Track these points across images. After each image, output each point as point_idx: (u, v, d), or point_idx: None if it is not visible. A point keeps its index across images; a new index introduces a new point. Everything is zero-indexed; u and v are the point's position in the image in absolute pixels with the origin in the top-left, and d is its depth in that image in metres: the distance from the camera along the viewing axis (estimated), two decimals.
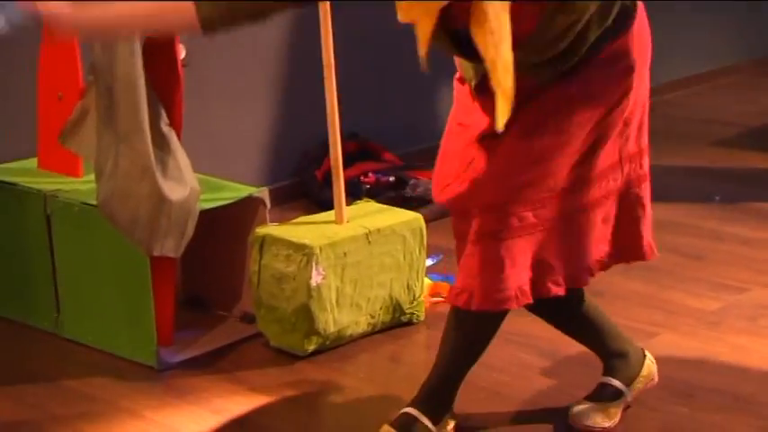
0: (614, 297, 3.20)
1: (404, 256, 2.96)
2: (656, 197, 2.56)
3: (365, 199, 3.23)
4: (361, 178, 3.81)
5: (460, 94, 2.45)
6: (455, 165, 2.35)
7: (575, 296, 2.53)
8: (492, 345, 2.44)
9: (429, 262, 3.21)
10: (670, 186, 3.85)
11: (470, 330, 2.49)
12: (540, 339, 2.91)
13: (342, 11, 3.81)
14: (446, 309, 3.12)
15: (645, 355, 2.64)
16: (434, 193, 2.46)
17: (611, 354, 2.62)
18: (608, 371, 2.61)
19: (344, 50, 3.92)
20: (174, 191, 2.63)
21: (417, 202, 3.69)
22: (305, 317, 2.76)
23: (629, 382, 2.59)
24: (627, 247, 2.51)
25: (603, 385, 2.58)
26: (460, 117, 2.43)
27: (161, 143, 2.66)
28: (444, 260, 3.42)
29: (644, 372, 2.63)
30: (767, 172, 4.37)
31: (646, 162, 2.48)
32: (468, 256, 2.35)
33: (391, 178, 3.85)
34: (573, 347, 2.70)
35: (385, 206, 3.11)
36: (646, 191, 2.48)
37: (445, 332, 2.51)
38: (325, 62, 2.84)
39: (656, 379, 2.65)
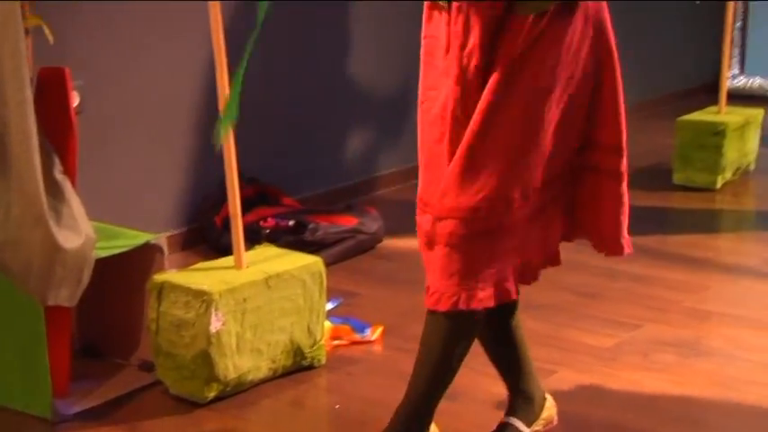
0: None
1: (304, 300, 2.92)
2: None
3: (265, 244, 3.19)
4: (261, 223, 3.76)
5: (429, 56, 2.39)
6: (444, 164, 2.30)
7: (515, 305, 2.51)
8: None
9: (329, 305, 3.18)
10: None
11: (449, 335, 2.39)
12: None
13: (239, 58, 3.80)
14: (347, 352, 3.11)
15: (545, 398, 2.63)
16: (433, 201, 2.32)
17: (520, 392, 2.58)
18: (511, 411, 2.58)
19: (242, 97, 3.91)
20: (69, 239, 2.56)
21: (317, 246, 3.67)
22: (204, 363, 2.70)
23: (529, 424, 2.57)
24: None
25: (505, 425, 2.55)
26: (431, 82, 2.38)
27: (55, 191, 2.58)
28: (344, 303, 3.39)
29: (544, 414, 2.60)
30: (655, 210, 4.46)
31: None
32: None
33: (290, 223, 3.81)
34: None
35: (284, 251, 3.08)
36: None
37: (424, 343, 2.41)
38: (221, 109, 2.79)
39: (556, 421, 2.64)
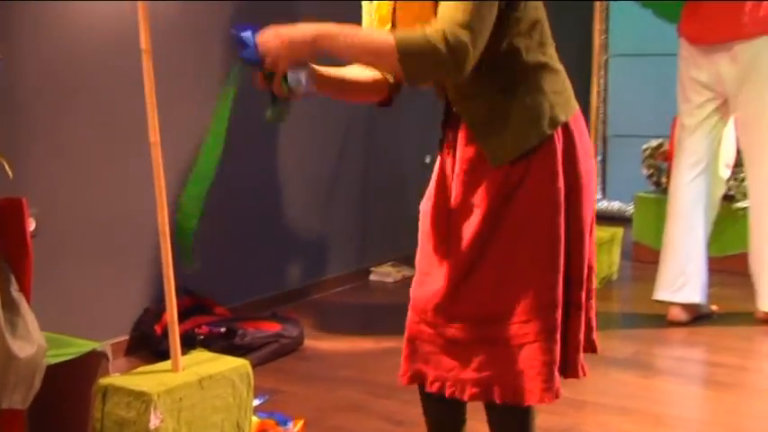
0: (417, 425, 3.16)
1: (233, 398, 2.84)
2: None
3: (199, 349, 3.14)
4: (196, 330, 3.72)
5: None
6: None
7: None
8: None
9: (256, 402, 3.10)
10: None
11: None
12: None
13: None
14: None
15: None
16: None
17: None
18: None
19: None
20: (23, 349, 2.48)
21: (245, 349, 3.63)
22: None
23: None
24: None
25: None
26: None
27: (11, 306, 2.52)
28: (269, 400, 3.32)
29: None
30: None
31: None
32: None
33: (222, 329, 3.77)
34: None
35: (216, 354, 3.01)
36: None
37: None
38: (160, 230, 2.75)
39: None
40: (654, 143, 5.49)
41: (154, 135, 2.70)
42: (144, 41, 2.67)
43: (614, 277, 5.09)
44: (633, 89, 6.49)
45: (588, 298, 2.29)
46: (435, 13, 2.07)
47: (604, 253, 4.87)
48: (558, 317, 2.18)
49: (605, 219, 5.82)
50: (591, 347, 2.36)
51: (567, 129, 2.18)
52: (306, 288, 4.68)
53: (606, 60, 6.50)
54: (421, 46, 1.98)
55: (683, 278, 4.31)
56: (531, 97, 2.16)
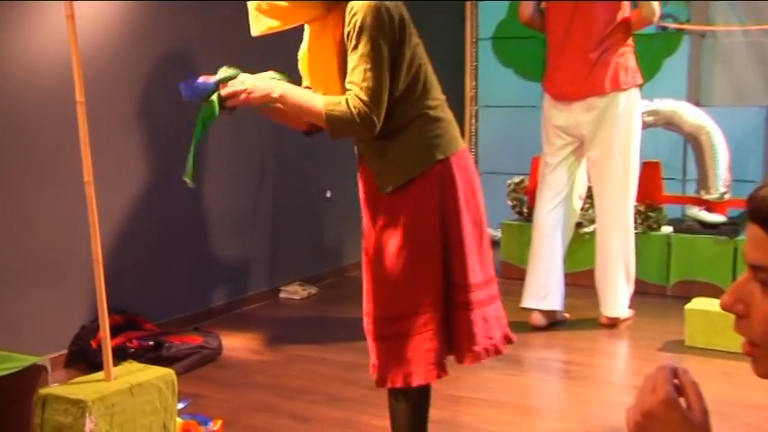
0: (321, 422, 3.15)
1: (160, 402, 2.79)
2: None
3: (130, 360, 3.04)
4: (127, 344, 3.65)
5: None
6: None
7: None
8: None
9: (180, 405, 3.05)
10: None
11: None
12: None
13: (113, 204, 3.70)
14: None
15: None
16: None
17: None
18: None
19: (113, 242, 3.81)
20: None
21: (171, 360, 3.57)
22: None
23: None
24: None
25: None
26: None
27: None
28: (192, 403, 3.28)
29: None
30: None
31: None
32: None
33: (150, 343, 3.70)
34: None
35: (145, 365, 2.95)
36: None
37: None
38: (94, 257, 2.70)
39: None
40: (516, 179, 5.54)
41: (88, 175, 2.66)
42: (79, 94, 2.64)
43: None
44: (498, 134, 6.54)
45: (491, 302, 2.46)
46: (340, 71, 2.29)
47: None
48: (438, 315, 2.31)
49: None
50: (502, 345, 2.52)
51: (447, 164, 2.33)
52: (225, 305, 4.64)
53: (476, 110, 6.58)
54: (341, 114, 2.22)
55: (545, 289, 4.36)
56: (412, 141, 2.32)
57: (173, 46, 4.24)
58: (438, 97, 2.39)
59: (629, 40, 4.24)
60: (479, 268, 2.39)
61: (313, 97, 2.31)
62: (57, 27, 3.44)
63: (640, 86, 4.31)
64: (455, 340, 2.40)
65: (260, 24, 2.31)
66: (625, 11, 4.20)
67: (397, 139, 2.33)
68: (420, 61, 2.34)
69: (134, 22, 4.01)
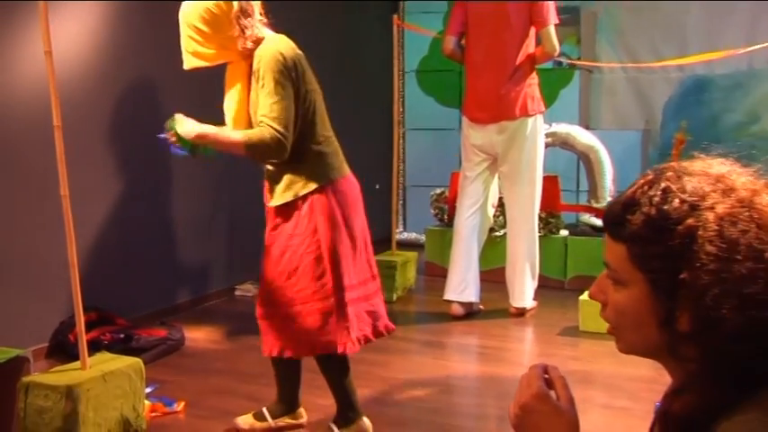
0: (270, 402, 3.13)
1: (130, 387, 2.77)
2: None
3: (103, 351, 3.01)
4: (101, 337, 3.55)
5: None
6: None
7: None
8: None
9: (148, 390, 3.02)
10: None
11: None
12: None
13: (86, 212, 3.62)
14: (161, 420, 2.95)
15: None
16: None
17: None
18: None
19: (87, 247, 3.73)
20: None
21: (139, 350, 3.50)
22: None
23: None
24: None
25: None
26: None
27: None
28: (158, 388, 3.23)
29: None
30: None
31: None
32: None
33: (121, 335, 3.62)
34: None
35: (117, 356, 2.91)
36: None
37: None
38: (70, 261, 2.66)
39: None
40: (438, 191, 5.54)
41: (64, 189, 2.64)
42: (56, 119, 2.62)
43: (413, 287, 5.10)
44: (422, 152, 6.56)
45: (365, 300, 2.64)
46: (247, 105, 2.53)
47: (403, 271, 4.89)
48: (315, 306, 2.53)
49: (406, 245, 5.83)
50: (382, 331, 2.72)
51: (329, 188, 2.53)
52: (187, 302, 4.56)
53: (404, 132, 6.60)
54: (257, 142, 2.42)
55: (464, 284, 4.38)
56: (299, 170, 2.53)
57: (141, 75, 4.17)
58: (324, 134, 2.58)
59: (535, 74, 4.30)
60: (353, 273, 2.57)
61: (228, 131, 2.52)
62: (37, 60, 3.37)
63: (543, 113, 4.39)
64: (335, 331, 2.56)
65: (190, 61, 2.50)
66: (531, 47, 4.25)
67: (289, 167, 2.53)
68: (312, 103, 2.51)
69: (106, 54, 3.94)
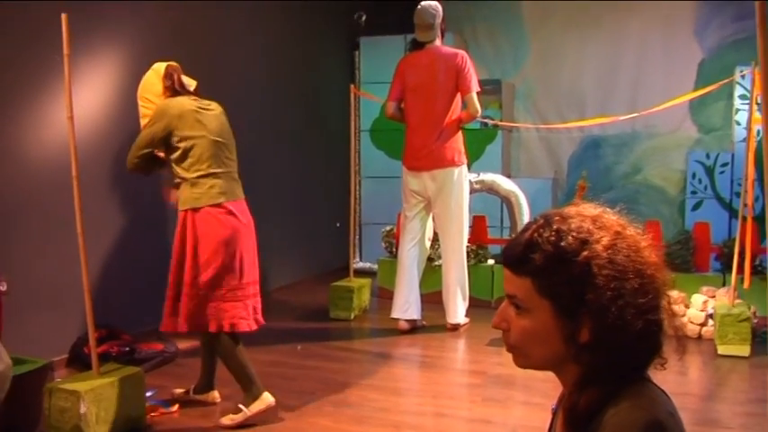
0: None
1: (133, 391, 2.80)
2: None
3: (111, 362, 3.04)
4: (110, 350, 3.57)
5: None
6: None
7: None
8: None
9: (148, 394, 3.05)
10: None
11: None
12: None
13: (99, 241, 3.66)
14: (160, 420, 2.97)
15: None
16: None
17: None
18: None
19: (98, 275, 3.76)
20: None
21: (141, 361, 3.53)
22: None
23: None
24: None
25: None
26: None
27: None
28: (157, 392, 3.23)
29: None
30: (320, 330, 4.50)
31: None
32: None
33: (126, 349, 3.64)
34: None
35: (122, 365, 2.94)
36: None
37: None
38: (84, 287, 2.71)
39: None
40: (388, 228, 5.55)
41: (80, 227, 2.70)
42: (74, 169, 2.68)
43: (367, 307, 5.08)
44: (375, 196, 6.57)
45: (239, 298, 2.86)
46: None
47: (359, 294, 4.89)
48: (215, 294, 2.81)
49: (362, 273, 5.81)
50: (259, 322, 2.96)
51: (205, 209, 2.77)
52: None
53: (360, 180, 6.63)
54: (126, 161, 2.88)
55: (407, 304, 4.41)
56: (187, 192, 2.82)
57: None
58: (200, 168, 2.81)
59: (460, 132, 4.40)
60: (225, 275, 2.80)
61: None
62: (60, 123, 3.45)
63: (468, 164, 4.46)
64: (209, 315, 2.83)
65: (143, 119, 2.86)
66: (458, 110, 4.34)
67: (178, 188, 2.85)
68: (191, 143, 2.79)
69: (117, 116, 4.00)
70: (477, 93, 4.29)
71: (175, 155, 2.78)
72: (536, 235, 1.05)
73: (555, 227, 1.05)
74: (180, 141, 2.76)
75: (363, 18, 6.47)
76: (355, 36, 6.61)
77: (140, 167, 2.85)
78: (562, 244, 1.03)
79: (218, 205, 2.78)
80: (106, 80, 3.96)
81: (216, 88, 4.74)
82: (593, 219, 1.06)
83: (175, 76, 2.86)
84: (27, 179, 3.47)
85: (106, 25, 3.92)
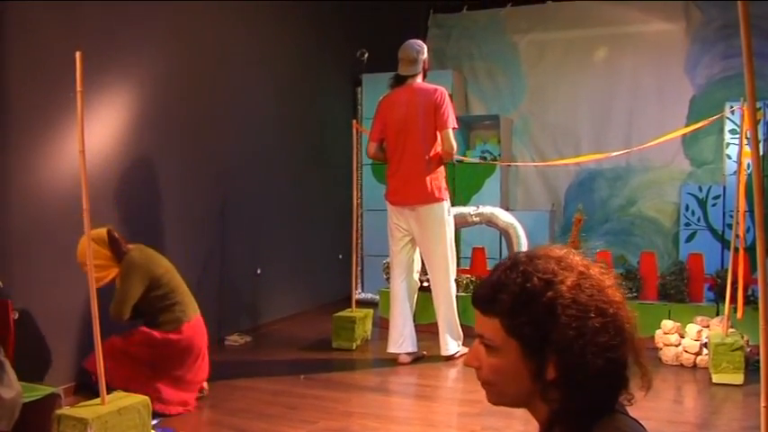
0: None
1: (139, 419, 2.82)
2: None
3: (118, 390, 3.03)
4: None
5: None
6: None
7: None
8: None
9: (153, 422, 3.05)
10: None
11: None
12: None
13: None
14: None
15: None
16: None
17: None
18: None
19: (105, 305, 3.80)
20: (7, 393, 2.41)
21: None
22: None
23: None
24: None
25: None
26: None
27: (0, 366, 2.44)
28: (161, 421, 3.24)
29: None
30: (321, 361, 4.49)
31: None
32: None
33: None
34: None
35: (128, 393, 2.95)
36: None
37: None
38: (93, 317, 2.73)
39: None
40: (388, 260, 5.42)
41: (90, 261, 2.74)
42: (85, 203, 2.72)
43: (369, 337, 5.07)
44: (377, 228, 6.52)
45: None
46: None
47: (362, 324, 4.89)
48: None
49: (363, 303, 5.80)
50: None
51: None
52: None
53: (362, 213, 6.66)
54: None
55: (402, 338, 4.39)
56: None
57: (146, 165, 4.31)
58: (176, 299, 3.47)
59: (442, 168, 4.37)
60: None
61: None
62: (72, 156, 3.52)
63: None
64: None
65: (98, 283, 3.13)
66: (438, 147, 4.32)
67: None
68: (169, 288, 3.46)
69: (124, 149, 4.08)
70: (453, 129, 4.25)
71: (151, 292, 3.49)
72: (503, 276, 1.07)
73: (521, 268, 1.06)
74: (159, 287, 3.49)
75: (366, 56, 6.59)
76: (358, 73, 6.72)
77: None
78: (528, 285, 1.04)
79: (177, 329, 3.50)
80: (116, 116, 4.05)
81: (222, 123, 4.85)
82: (557, 259, 1.07)
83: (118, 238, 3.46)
84: (40, 210, 3.53)
85: (118, 62, 4.02)
